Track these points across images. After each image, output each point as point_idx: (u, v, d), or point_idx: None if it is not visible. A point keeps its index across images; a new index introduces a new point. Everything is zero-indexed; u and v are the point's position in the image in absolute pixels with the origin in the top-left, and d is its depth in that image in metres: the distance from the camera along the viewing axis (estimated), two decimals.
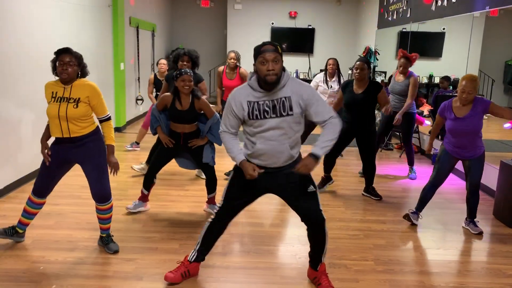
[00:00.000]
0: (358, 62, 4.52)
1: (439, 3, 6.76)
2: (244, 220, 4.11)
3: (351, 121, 4.61)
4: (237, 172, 2.80)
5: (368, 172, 4.82)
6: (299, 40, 11.88)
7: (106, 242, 3.39)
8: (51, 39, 5.34)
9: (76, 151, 3.19)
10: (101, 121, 3.28)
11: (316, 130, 6.45)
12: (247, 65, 6.01)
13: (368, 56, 9.82)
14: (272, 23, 11.76)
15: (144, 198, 4.18)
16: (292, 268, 3.22)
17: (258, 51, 2.58)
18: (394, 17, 8.72)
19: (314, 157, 2.59)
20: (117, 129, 8.03)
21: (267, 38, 11.63)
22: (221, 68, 5.91)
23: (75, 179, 4.88)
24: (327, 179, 4.96)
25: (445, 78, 7.25)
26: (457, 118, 3.71)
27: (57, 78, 3.17)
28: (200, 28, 12.50)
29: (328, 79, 6.19)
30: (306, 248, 3.04)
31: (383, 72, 9.76)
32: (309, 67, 11.75)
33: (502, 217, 4.24)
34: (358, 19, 11.65)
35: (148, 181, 4.10)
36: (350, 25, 11.79)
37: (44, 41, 5.16)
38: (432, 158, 4.89)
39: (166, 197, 4.62)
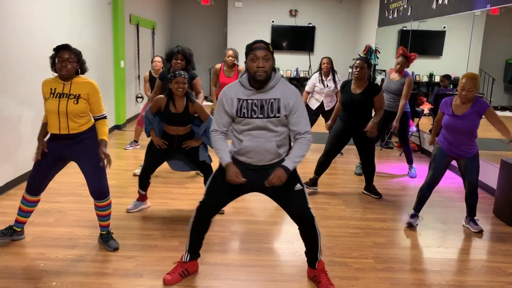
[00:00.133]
0: (358, 61, 4.50)
1: (440, 1, 6.75)
2: (244, 218, 4.12)
3: (348, 120, 4.59)
4: (222, 168, 2.80)
5: (368, 171, 4.81)
6: (300, 38, 11.87)
7: (106, 240, 3.39)
8: (51, 37, 5.34)
9: (73, 148, 3.18)
10: (96, 119, 3.26)
11: (312, 129, 6.47)
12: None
13: (369, 54, 9.81)
14: (273, 21, 11.75)
15: (142, 198, 4.18)
16: (292, 265, 3.22)
17: (250, 49, 2.59)
18: (395, 15, 8.71)
19: (285, 169, 2.63)
20: (117, 127, 8.03)
21: (267, 36, 11.62)
22: (219, 65, 5.90)
23: (75, 177, 4.89)
24: (315, 181, 4.86)
25: (446, 77, 7.24)
26: (454, 115, 3.70)
27: (55, 74, 3.16)
28: (200, 26, 12.48)
29: (323, 78, 6.19)
30: None
31: (383, 70, 9.74)
32: (310, 65, 11.74)
33: (502, 215, 4.24)
34: (359, 17, 11.63)
35: (143, 182, 4.09)
36: (350, 23, 11.77)
37: (44, 39, 5.15)
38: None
39: (166, 195, 4.62)
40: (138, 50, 9.02)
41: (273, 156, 2.71)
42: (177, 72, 3.72)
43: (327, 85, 6.15)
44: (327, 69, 6.16)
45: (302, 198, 2.78)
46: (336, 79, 6.24)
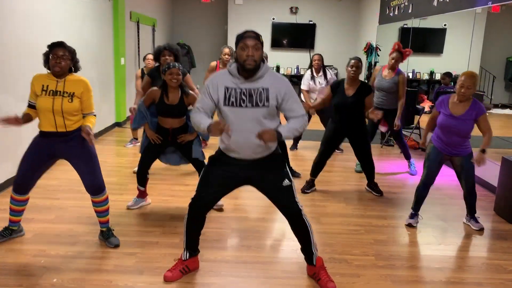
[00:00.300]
0: (353, 60, 4.44)
1: None
2: (244, 215, 4.12)
3: (341, 122, 4.56)
4: (212, 163, 2.80)
5: (367, 170, 4.79)
6: (300, 36, 11.85)
7: (107, 236, 3.39)
8: (52, 35, 5.32)
9: (65, 145, 3.15)
10: (85, 115, 3.22)
11: (310, 126, 6.47)
12: None
13: (369, 52, 9.80)
14: (273, 19, 11.73)
15: (142, 195, 4.18)
16: (293, 262, 3.22)
17: (240, 38, 2.59)
18: (396, 12, 8.69)
19: (277, 132, 2.61)
20: (118, 124, 8.02)
21: (268, 33, 11.60)
22: (214, 63, 5.87)
23: (75, 174, 4.86)
24: (312, 183, 4.84)
25: (447, 74, 7.24)
26: (451, 116, 3.67)
27: (48, 71, 3.15)
28: (200, 23, 12.46)
29: (315, 75, 6.18)
30: None
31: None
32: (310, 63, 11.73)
33: (503, 213, 4.23)
34: (359, 15, 11.62)
35: (142, 178, 4.08)
36: (351, 21, 11.76)
37: (44, 37, 5.14)
38: None
39: (167, 192, 4.62)
40: (139, 48, 9.01)
41: (263, 149, 2.71)
42: (171, 64, 3.72)
43: (319, 82, 6.15)
44: (318, 66, 6.16)
45: (289, 193, 2.79)
46: (328, 75, 6.23)
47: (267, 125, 2.65)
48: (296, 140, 6.74)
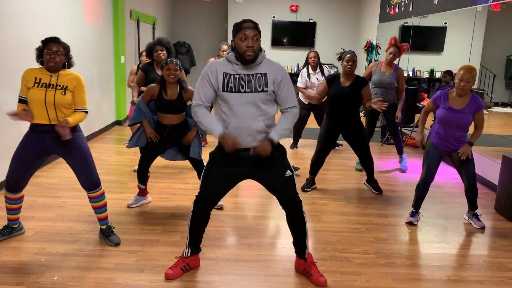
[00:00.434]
0: (349, 55, 4.41)
1: None
2: (244, 213, 4.12)
3: (337, 116, 4.54)
4: (213, 159, 2.79)
5: (366, 164, 4.76)
6: (300, 34, 11.83)
7: (108, 235, 3.38)
8: (51, 33, 5.30)
9: (56, 141, 3.12)
10: (76, 110, 3.21)
11: (309, 125, 6.47)
12: None
13: (370, 50, 9.79)
14: (273, 17, 11.72)
15: (142, 193, 4.18)
16: (293, 260, 3.19)
17: (239, 28, 2.60)
18: (396, 10, 8.68)
19: (271, 141, 2.65)
20: (118, 123, 8.02)
21: (268, 32, 11.59)
22: (212, 59, 5.87)
23: None
24: (312, 181, 4.84)
25: (448, 72, 7.23)
26: (452, 109, 3.66)
27: (40, 66, 3.14)
28: (200, 21, 12.45)
29: (312, 72, 6.17)
30: None
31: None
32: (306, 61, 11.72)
33: (503, 211, 4.23)
34: (360, 13, 11.60)
35: (142, 176, 4.07)
36: (351, 19, 11.74)
37: (44, 34, 5.11)
38: None
39: (167, 190, 4.62)
40: (139, 46, 9.00)
41: (263, 135, 2.70)
42: (169, 59, 3.72)
43: (317, 78, 6.14)
44: (314, 63, 6.16)
45: (291, 183, 2.81)
46: (326, 71, 6.22)
47: (266, 110, 2.68)
48: (297, 138, 6.73)
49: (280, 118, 2.76)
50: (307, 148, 6.62)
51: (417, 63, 8.62)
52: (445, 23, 8.05)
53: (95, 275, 2.91)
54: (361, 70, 10.46)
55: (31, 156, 3.18)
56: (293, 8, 11.64)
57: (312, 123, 6.71)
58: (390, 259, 3.30)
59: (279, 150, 2.80)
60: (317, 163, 4.76)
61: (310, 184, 4.80)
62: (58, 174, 4.89)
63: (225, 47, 5.71)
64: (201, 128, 2.97)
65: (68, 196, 4.32)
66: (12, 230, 3.40)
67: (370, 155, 4.71)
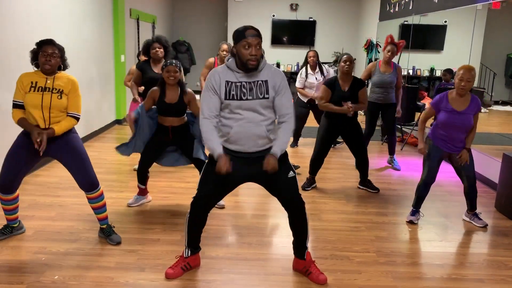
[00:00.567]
0: (346, 56, 4.45)
1: None
2: (245, 212, 4.12)
3: (336, 116, 4.53)
4: (213, 161, 2.77)
5: (361, 165, 4.78)
6: (300, 33, 11.83)
7: (108, 234, 3.38)
8: (51, 32, 5.31)
9: (52, 143, 3.10)
10: (68, 115, 3.17)
11: (309, 123, 6.47)
12: None
13: (370, 49, 9.79)
14: (273, 16, 11.71)
15: (142, 192, 4.18)
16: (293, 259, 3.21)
17: (242, 35, 2.57)
18: (396, 9, 8.68)
19: (274, 157, 2.65)
20: (118, 122, 8.02)
21: (268, 30, 11.59)
22: (212, 59, 5.85)
23: None
24: (312, 180, 4.85)
25: (448, 71, 7.23)
26: (455, 111, 3.66)
27: (35, 69, 3.13)
28: (200, 20, 12.44)
29: (310, 71, 6.16)
30: None
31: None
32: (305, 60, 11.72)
33: (504, 209, 4.23)
34: (360, 12, 11.59)
35: (142, 177, 4.07)
36: (351, 18, 11.73)
37: (44, 34, 5.12)
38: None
39: (168, 189, 4.62)
40: (139, 45, 8.99)
41: (264, 141, 2.71)
42: (168, 61, 3.71)
43: (316, 78, 6.14)
44: (314, 63, 6.15)
45: (294, 184, 2.81)
46: (325, 71, 6.21)
47: (267, 115, 2.68)
48: (296, 137, 6.74)
49: (279, 131, 2.73)
50: (307, 147, 6.62)
51: (417, 62, 8.61)
52: (445, 22, 8.04)
53: (95, 274, 2.91)
54: (361, 69, 10.46)
55: (24, 157, 3.16)
56: (293, 6, 11.60)
57: (311, 121, 6.71)
58: (390, 258, 3.30)
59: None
60: (316, 163, 4.76)
61: (310, 183, 4.81)
62: (58, 173, 4.89)
63: (225, 46, 5.70)
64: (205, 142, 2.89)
65: (68, 195, 4.32)
66: (12, 229, 3.40)
67: (366, 156, 4.72)
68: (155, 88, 3.81)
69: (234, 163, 2.70)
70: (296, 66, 11.78)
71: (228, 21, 11.76)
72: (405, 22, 8.31)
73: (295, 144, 6.73)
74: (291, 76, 11.33)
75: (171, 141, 3.88)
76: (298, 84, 6.24)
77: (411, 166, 5.80)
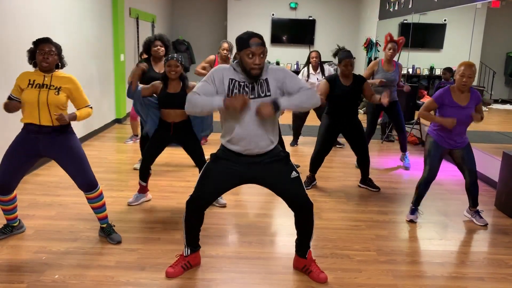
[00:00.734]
0: (346, 59, 4.39)
1: None
2: (245, 211, 4.12)
3: (338, 115, 4.54)
4: (214, 160, 2.78)
5: (363, 164, 4.78)
6: (300, 32, 11.82)
7: (108, 233, 3.38)
8: (51, 31, 5.31)
9: (49, 144, 3.10)
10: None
11: (309, 122, 6.47)
12: None
13: (369, 47, 9.78)
14: (273, 14, 11.70)
15: (143, 190, 4.17)
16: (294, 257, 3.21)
17: (246, 43, 2.55)
18: (396, 7, 8.67)
19: (274, 103, 2.55)
20: (117, 121, 8.01)
21: (267, 29, 11.58)
22: (213, 56, 5.86)
23: None
24: (312, 178, 4.86)
25: (448, 69, 7.23)
26: (459, 106, 3.66)
27: (33, 69, 3.13)
28: (200, 19, 12.43)
29: (312, 72, 6.16)
30: None
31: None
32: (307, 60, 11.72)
33: (504, 208, 4.23)
34: (359, 10, 11.59)
35: (144, 173, 4.07)
36: (351, 17, 11.73)
37: (43, 33, 5.10)
38: None
39: (168, 188, 4.62)
40: (138, 44, 8.98)
41: (266, 143, 2.70)
42: (170, 56, 3.72)
43: (317, 79, 6.13)
44: (316, 63, 6.15)
45: (299, 185, 2.78)
46: (326, 71, 6.21)
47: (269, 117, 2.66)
48: (296, 136, 6.73)
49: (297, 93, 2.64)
50: (307, 146, 6.62)
51: (416, 60, 8.62)
52: (445, 20, 8.04)
53: (96, 273, 2.91)
54: (360, 68, 10.46)
55: (21, 158, 3.15)
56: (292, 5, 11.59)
57: (311, 120, 6.71)
58: (390, 256, 3.30)
59: (282, 153, 2.81)
60: (316, 162, 4.76)
61: (310, 181, 4.81)
62: (58, 172, 4.88)
63: (225, 45, 5.70)
64: (197, 112, 2.69)
65: (68, 194, 4.31)
66: (12, 228, 3.39)
67: (367, 155, 4.72)
68: (158, 82, 3.83)
69: (236, 164, 2.71)
70: (296, 65, 11.78)
71: (227, 20, 11.74)
72: (405, 21, 8.30)
73: (294, 143, 6.73)
74: None
75: (173, 137, 3.89)
76: None
77: (411, 164, 5.80)
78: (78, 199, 4.16)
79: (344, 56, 4.45)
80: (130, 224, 3.71)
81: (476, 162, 3.86)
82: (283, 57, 11.73)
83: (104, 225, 3.41)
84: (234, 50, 5.63)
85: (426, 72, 9.13)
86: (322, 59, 6.68)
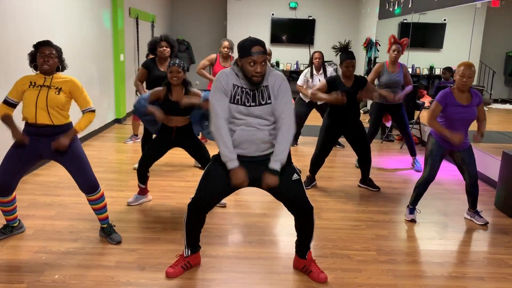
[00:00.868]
0: (348, 60, 4.37)
1: None
2: (245, 211, 4.12)
3: (339, 116, 4.53)
4: (215, 162, 2.77)
5: (364, 165, 4.77)
6: (300, 31, 11.83)
7: (108, 233, 3.38)
8: (51, 31, 5.31)
9: (49, 145, 3.08)
10: (84, 112, 3.22)
11: (309, 122, 6.47)
12: None
13: (369, 47, 9.78)
14: (273, 14, 11.70)
15: (142, 192, 4.17)
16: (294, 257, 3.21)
17: (248, 51, 2.54)
18: (396, 7, 8.67)
19: (274, 172, 2.63)
20: (117, 121, 8.01)
21: (267, 29, 11.58)
22: (214, 55, 5.87)
23: None
24: (312, 178, 4.86)
25: (447, 69, 7.24)
26: (462, 106, 3.67)
27: (34, 72, 3.14)
28: (200, 18, 12.43)
29: (315, 72, 6.15)
30: None
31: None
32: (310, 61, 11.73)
33: (503, 207, 4.24)
34: (359, 10, 11.58)
35: (142, 176, 4.06)
36: (350, 16, 11.73)
37: (43, 33, 5.12)
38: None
39: (168, 188, 4.62)
40: (138, 44, 8.98)
41: (267, 146, 2.70)
42: (171, 62, 3.71)
43: (319, 80, 6.13)
44: (319, 64, 6.13)
45: (300, 188, 2.77)
46: (328, 73, 6.20)
47: (270, 120, 2.67)
48: (296, 136, 6.73)
49: (276, 143, 2.67)
50: (307, 146, 6.62)
51: (416, 60, 8.61)
52: (445, 20, 8.04)
53: (96, 273, 2.91)
54: (360, 68, 10.46)
55: (22, 159, 3.15)
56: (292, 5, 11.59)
57: (311, 120, 6.71)
58: (390, 256, 3.30)
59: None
60: (317, 163, 4.76)
61: (310, 182, 4.81)
62: (58, 172, 4.89)
63: (226, 43, 5.70)
64: (215, 140, 2.74)
65: (68, 194, 4.31)
66: (12, 228, 3.39)
67: (369, 156, 4.72)
68: (160, 88, 3.81)
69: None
70: (295, 65, 11.78)
71: (227, 20, 11.75)
72: (405, 21, 8.30)
73: (294, 142, 6.72)
74: (290, 75, 11.33)
75: (174, 141, 3.88)
76: (299, 82, 6.23)
77: (408, 164, 5.79)
78: (78, 199, 4.16)
79: (345, 57, 4.43)
80: (130, 224, 3.71)
81: (476, 162, 3.86)
82: (283, 57, 11.72)
83: (105, 225, 3.41)
84: (235, 49, 5.67)
85: (425, 72, 9.13)
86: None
